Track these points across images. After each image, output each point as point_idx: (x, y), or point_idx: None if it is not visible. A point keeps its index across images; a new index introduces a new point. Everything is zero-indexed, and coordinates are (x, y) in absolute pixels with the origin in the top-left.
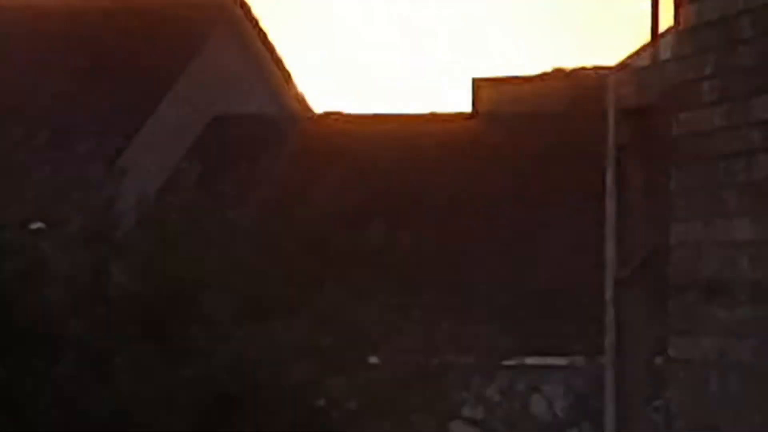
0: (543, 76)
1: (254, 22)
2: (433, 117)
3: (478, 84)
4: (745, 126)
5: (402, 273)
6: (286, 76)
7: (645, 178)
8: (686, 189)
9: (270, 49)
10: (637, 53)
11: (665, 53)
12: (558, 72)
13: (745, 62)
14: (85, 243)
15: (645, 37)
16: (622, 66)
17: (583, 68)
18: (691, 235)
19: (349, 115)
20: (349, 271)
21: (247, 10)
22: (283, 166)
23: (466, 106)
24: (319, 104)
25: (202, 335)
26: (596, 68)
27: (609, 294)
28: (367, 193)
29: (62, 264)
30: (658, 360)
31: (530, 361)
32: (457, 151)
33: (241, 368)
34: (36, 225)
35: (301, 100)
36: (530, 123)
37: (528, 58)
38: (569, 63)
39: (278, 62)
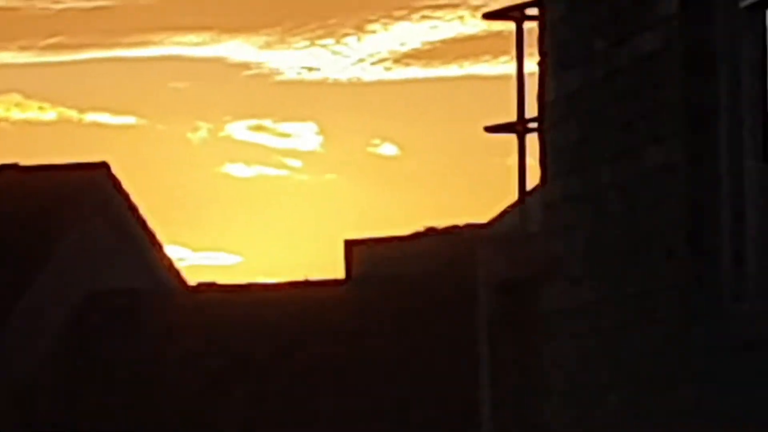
0: (416, 236)
1: (125, 196)
2: (306, 283)
3: (350, 245)
4: (616, 301)
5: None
6: (158, 249)
7: (516, 352)
8: (559, 365)
9: (141, 222)
10: (506, 213)
11: (533, 222)
12: (431, 231)
13: (613, 238)
14: None
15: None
16: (491, 225)
17: (455, 226)
18: (568, 411)
19: (222, 286)
20: None
21: (117, 185)
22: (155, 340)
23: (339, 268)
24: (192, 275)
25: None
26: (469, 226)
27: None
28: (234, 363)
29: None
30: None
31: None
32: (330, 316)
33: None
34: None
35: (174, 273)
36: (401, 284)
37: (399, 217)
38: (441, 221)
39: (150, 235)
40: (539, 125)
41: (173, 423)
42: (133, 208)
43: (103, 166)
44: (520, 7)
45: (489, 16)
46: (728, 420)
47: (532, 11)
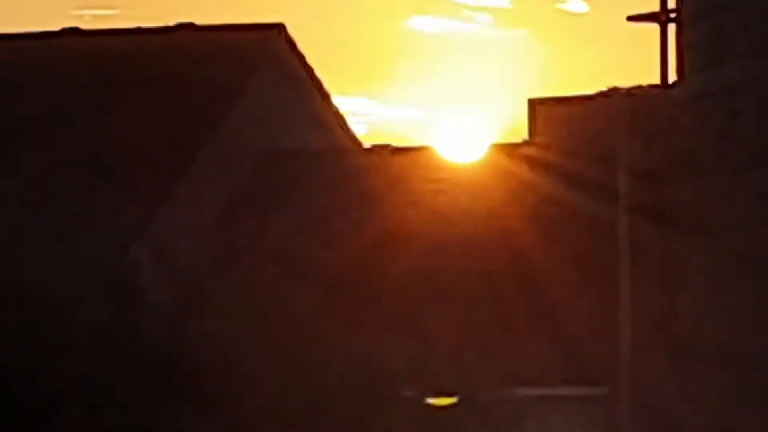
0: (600, 95)
1: (300, 57)
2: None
3: (534, 104)
4: (744, 198)
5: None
6: (334, 110)
7: (658, 242)
8: (691, 257)
9: (317, 83)
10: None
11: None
12: (614, 91)
13: (743, 133)
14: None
15: None
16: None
17: (639, 86)
18: (696, 305)
19: (398, 148)
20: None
21: (292, 46)
22: (331, 201)
23: (524, 125)
24: (367, 136)
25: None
26: (652, 86)
27: (624, 354)
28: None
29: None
30: None
31: None
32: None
33: (277, 414)
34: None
35: (349, 134)
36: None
37: (588, 76)
38: (629, 81)
39: (325, 97)
40: (677, 18)
41: (334, 287)
42: (308, 69)
43: (279, 27)
44: None
45: None
46: None
47: None
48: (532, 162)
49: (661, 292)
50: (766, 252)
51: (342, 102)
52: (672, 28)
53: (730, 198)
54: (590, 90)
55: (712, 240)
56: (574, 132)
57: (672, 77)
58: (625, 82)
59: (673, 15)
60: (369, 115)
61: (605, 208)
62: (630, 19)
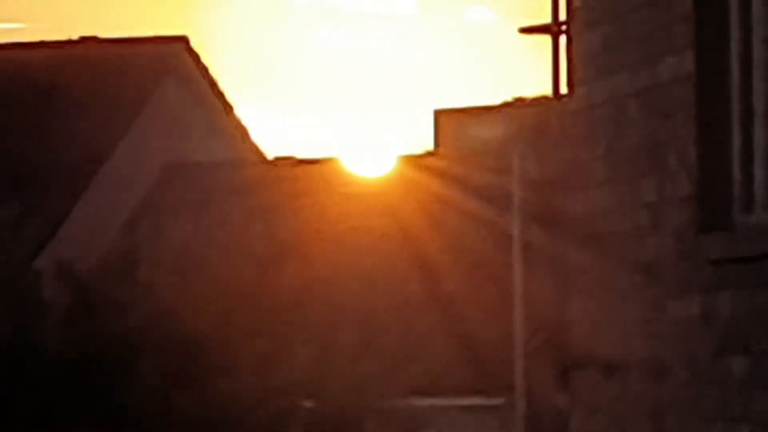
0: (504, 105)
1: (203, 70)
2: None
3: (439, 115)
4: (633, 208)
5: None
6: (236, 122)
7: (552, 251)
8: (582, 266)
9: (219, 95)
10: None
11: (564, 124)
12: (519, 101)
13: (632, 144)
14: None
15: None
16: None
17: (544, 97)
18: (588, 313)
19: (301, 160)
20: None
21: (195, 58)
22: (233, 212)
23: (428, 137)
24: (273, 149)
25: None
26: (557, 96)
27: (519, 364)
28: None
29: None
30: None
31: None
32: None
33: (183, 425)
34: None
35: (251, 146)
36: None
37: (489, 89)
38: (529, 91)
39: (228, 108)
40: (567, 30)
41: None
42: (211, 81)
43: (182, 40)
44: None
45: None
46: (736, 328)
47: None
48: (436, 172)
49: (554, 300)
50: (655, 261)
51: (245, 113)
52: (563, 39)
53: (620, 208)
54: (495, 100)
55: (604, 249)
56: (475, 142)
57: (564, 89)
58: (529, 93)
59: (564, 27)
60: (272, 126)
61: (504, 218)
62: (522, 31)
